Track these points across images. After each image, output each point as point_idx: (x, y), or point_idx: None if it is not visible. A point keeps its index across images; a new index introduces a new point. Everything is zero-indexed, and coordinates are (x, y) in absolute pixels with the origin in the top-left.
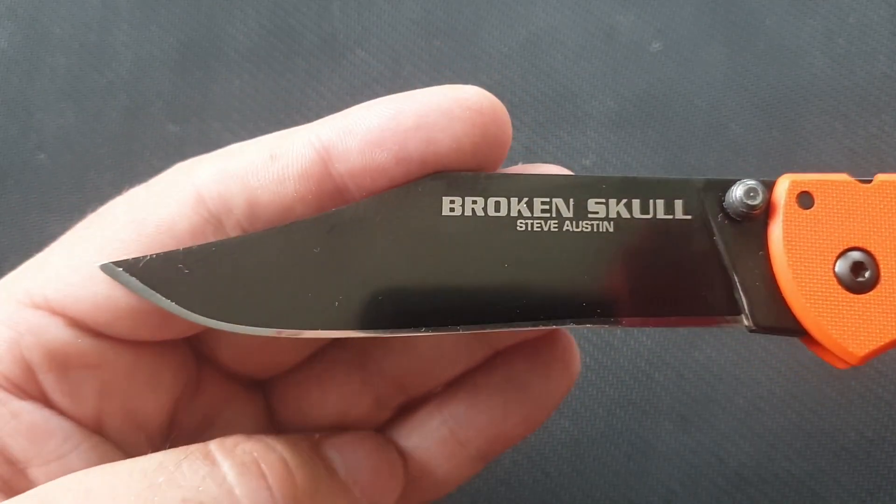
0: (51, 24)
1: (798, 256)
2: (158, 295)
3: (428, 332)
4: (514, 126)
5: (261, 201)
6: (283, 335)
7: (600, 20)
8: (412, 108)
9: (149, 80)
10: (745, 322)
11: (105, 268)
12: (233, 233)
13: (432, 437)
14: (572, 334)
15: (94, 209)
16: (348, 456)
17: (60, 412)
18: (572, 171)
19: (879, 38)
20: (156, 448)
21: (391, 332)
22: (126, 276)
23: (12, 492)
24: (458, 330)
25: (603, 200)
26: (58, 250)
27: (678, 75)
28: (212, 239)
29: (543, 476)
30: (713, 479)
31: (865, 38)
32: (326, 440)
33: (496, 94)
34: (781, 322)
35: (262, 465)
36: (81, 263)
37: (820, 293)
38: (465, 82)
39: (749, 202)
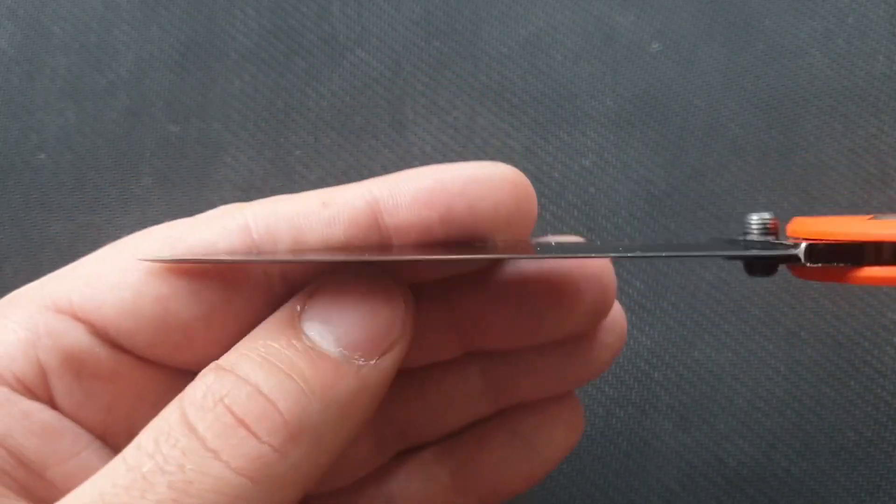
0: (51, 24)
1: None
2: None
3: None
4: (513, 126)
5: (307, 241)
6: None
7: (600, 20)
8: (459, 176)
9: (149, 80)
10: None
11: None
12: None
13: (434, 483)
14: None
15: (94, 209)
16: (336, 326)
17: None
18: (571, 171)
19: (878, 38)
20: None
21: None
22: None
23: (32, 496)
24: None
25: None
26: (86, 261)
27: (677, 76)
28: (250, 269)
29: None
30: (712, 479)
31: (864, 39)
32: (306, 311)
33: (496, 94)
34: None
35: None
36: (109, 270)
37: None
38: (466, 82)
39: None
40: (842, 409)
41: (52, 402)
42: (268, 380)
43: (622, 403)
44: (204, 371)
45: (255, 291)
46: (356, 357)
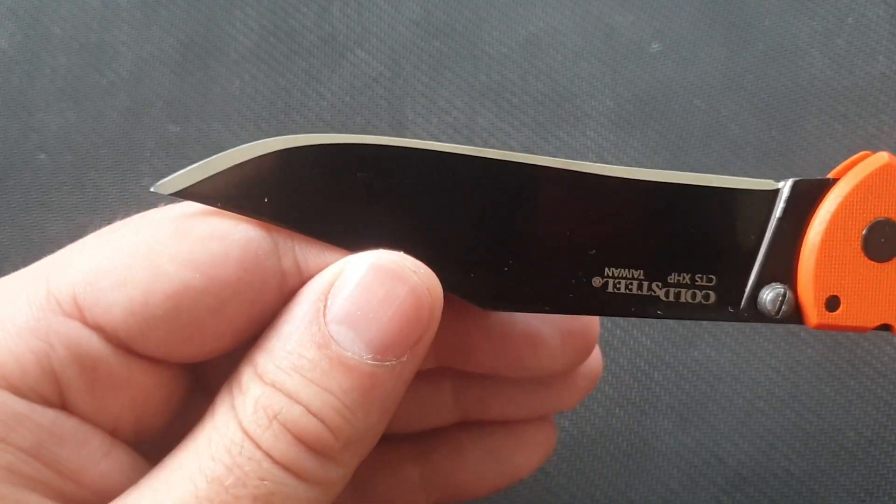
0: (51, 24)
1: None
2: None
3: None
4: (513, 126)
5: None
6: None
7: (599, 20)
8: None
9: (149, 80)
10: None
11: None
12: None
13: (403, 480)
14: None
15: (94, 209)
16: (365, 331)
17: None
18: None
19: (878, 38)
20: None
21: None
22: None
23: (72, 502)
24: None
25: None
26: (84, 250)
27: (677, 76)
28: (265, 261)
29: (542, 475)
30: (712, 479)
31: (864, 39)
32: (331, 311)
33: (496, 94)
34: None
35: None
36: (113, 266)
37: None
38: (466, 82)
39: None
40: (842, 409)
41: (67, 410)
42: (312, 400)
43: (622, 403)
44: (245, 381)
45: (268, 283)
46: (389, 359)
